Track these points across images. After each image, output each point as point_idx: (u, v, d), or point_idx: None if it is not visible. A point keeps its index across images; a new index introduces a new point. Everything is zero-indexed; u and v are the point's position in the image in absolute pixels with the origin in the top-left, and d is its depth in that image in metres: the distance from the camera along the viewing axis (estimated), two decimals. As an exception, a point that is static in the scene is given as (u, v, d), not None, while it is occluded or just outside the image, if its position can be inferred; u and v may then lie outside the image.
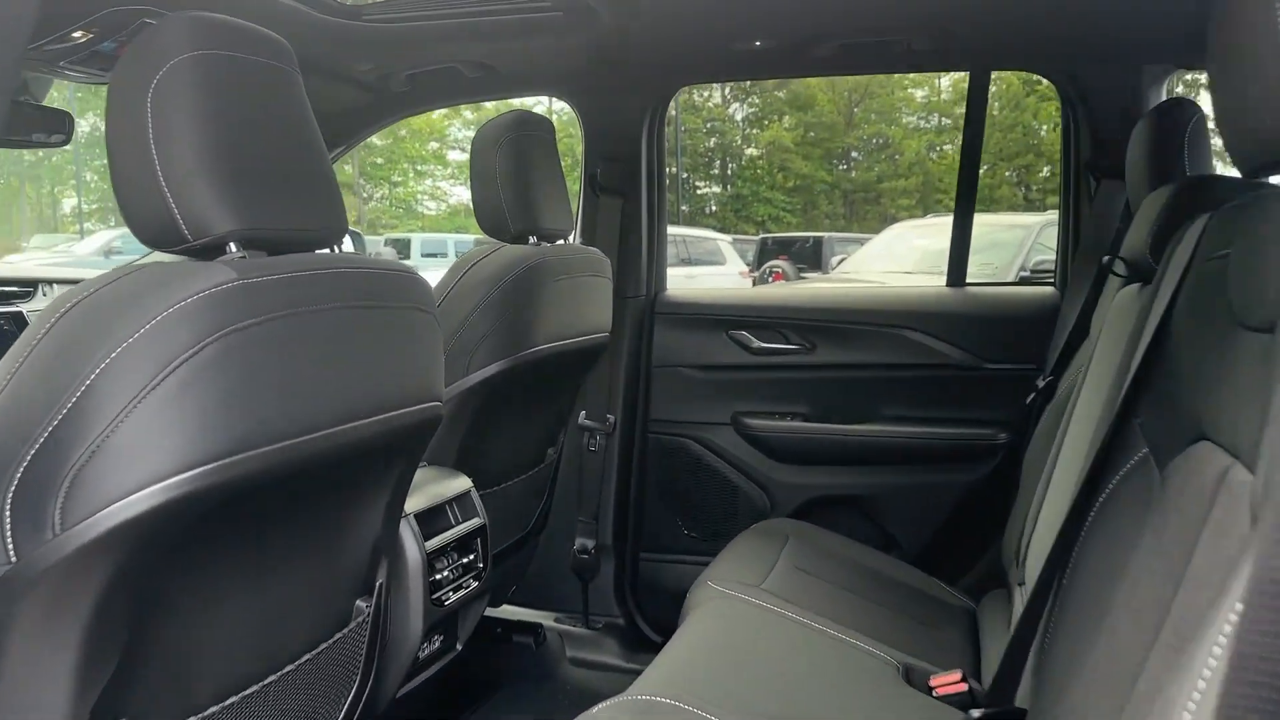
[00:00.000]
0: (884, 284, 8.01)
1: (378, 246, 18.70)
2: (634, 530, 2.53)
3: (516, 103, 2.88)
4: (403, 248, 18.33)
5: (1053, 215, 9.16)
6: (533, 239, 1.97)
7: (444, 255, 17.55)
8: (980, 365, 2.26)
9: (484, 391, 1.85)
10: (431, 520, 1.62)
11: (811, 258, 14.40)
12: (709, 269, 11.89)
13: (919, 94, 31.28)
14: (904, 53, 2.04)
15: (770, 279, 13.62)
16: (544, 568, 2.48)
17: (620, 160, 2.42)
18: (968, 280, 2.41)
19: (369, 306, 1.15)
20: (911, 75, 30.95)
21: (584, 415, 2.45)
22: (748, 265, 13.98)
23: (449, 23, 2.04)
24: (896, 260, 8.78)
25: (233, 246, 1.02)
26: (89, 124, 30.92)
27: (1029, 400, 2.12)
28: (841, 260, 10.55)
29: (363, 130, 2.57)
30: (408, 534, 1.52)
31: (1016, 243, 8.06)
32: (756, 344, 2.41)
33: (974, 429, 2.25)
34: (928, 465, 2.29)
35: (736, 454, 2.43)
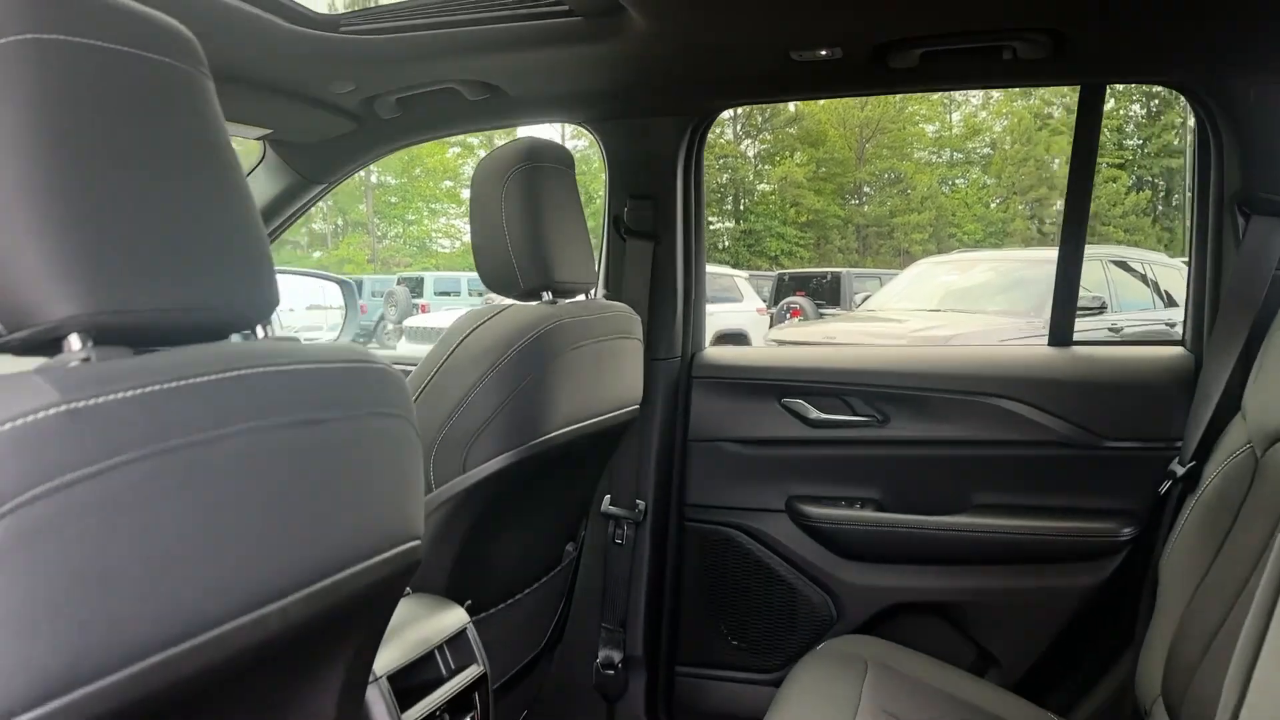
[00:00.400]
0: (906, 321, 7.68)
1: (391, 285, 18.48)
2: (669, 640, 2.11)
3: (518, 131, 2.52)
4: (416, 286, 18.10)
5: (1095, 249, 8.77)
6: (547, 295, 1.58)
7: (457, 294, 17.39)
8: (1096, 443, 1.84)
9: (485, 492, 1.46)
10: (413, 676, 1.21)
11: (830, 293, 14.09)
12: (726, 306, 11.54)
13: (930, 129, 31.24)
14: (1004, 63, 1.65)
15: (788, 316, 13.30)
16: (561, 685, 2.06)
17: (651, 197, 2.03)
18: (1075, 338, 1.99)
19: (306, 422, 0.75)
20: (924, 110, 31.00)
21: (609, 500, 2.04)
22: (765, 302, 13.65)
23: (444, 33, 1.67)
24: (922, 298, 8.47)
25: (74, 341, 0.64)
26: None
27: (1163, 489, 1.70)
28: (866, 298, 10.17)
29: (347, 165, 2.19)
30: (378, 706, 1.11)
31: (1047, 278, 7.67)
32: (815, 414, 2.00)
33: (1090, 522, 1.83)
34: (1032, 566, 1.86)
35: (793, 548, 2.01)
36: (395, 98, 1.93)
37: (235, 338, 0.81)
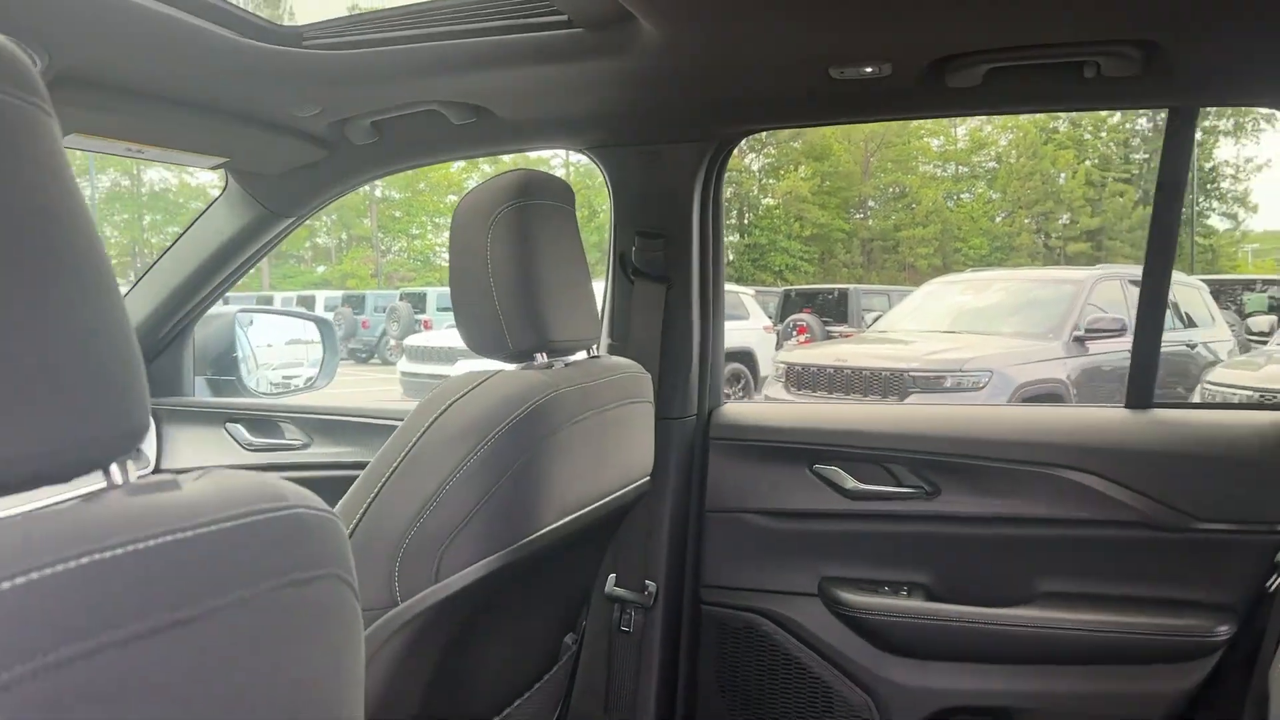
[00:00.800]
0: (916, 343, 7.43)
1: (394, 300, 18.23)
2: None
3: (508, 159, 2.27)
4: (418, 301, 17.88)
5: (1113, 269, 8.57)
6: (541, 357, 1.32)
7: (460, 308, 17.16)
8: (1185, 524, 1.58)
9: (464, 602, 1.19)
10: None
11: (836, 311, 13.86)
12: (732, 324, 11.27)
13: (935, 143, 31.14)
14: (1084, 82, 1.40)
15: (794, 333, 13.07)
16: None
17: (663, 234, 1.77)
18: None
19: (171, 625, 0.50)
20: (929, 124, 30.78)
21: (614, 580, 1.78)
22: (771, 318, 13.44)
23: (423, 48, 1.42)
24: (933, 318, 8.27)
25: None
26: (109, 179, 31.42)
27: (1272, 585, 1.44)
28: (877, 317, 9.92)
29: (318, 197, 1.94)
30: None
31: (1064, 299, 7.47)
32: (853, 484, 1.74)
33: (1178, 617, 1.57)
34: (1109, 668, 1.60)
35: (827, 639, 1.74)
36: (369, 121, 1.68)
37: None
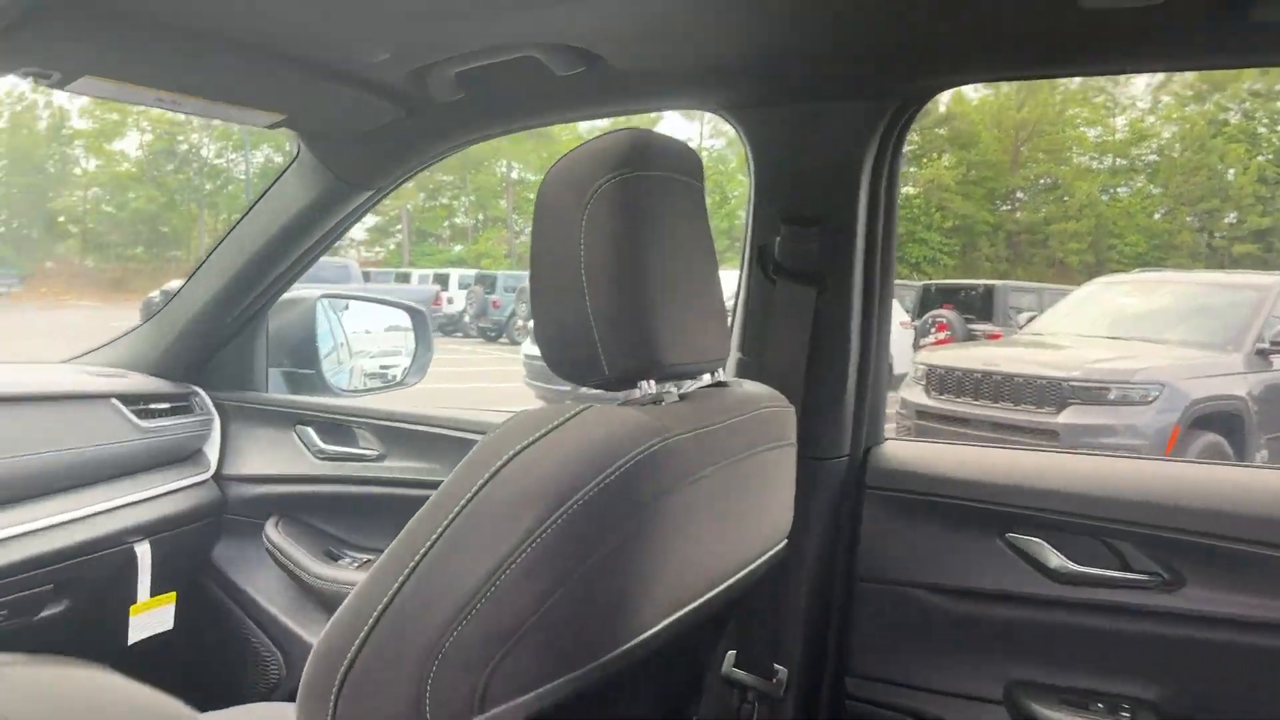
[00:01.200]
0: (1072, 348, 6.73)
1: (523, 281, 18.40)
2: None
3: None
4: (543, 287, 18.04)
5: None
6: (648, 384, 0.95)
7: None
8: None
9: None
10: None
11: (981, 308, 13.07)
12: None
13: (1092, 133, 29.46)
14: None
15: (932, 329, 12.39)
16: None
17: (819, 221, 1.37)
18: None
19: None
20: (1085, 113, 28.99)
21: (733, 660, 1.41)
22: (909, 314, 12.79)
23: None
24: (1090, 322, 7.57)
25: None
26: (263, 155, 32.91)
27: None
28: (1031, 318, 9.18)
29: (398, 167, 1.63)
30: None
31: (1245, 306, 6.66)
32: (1059, 562, 1.31)
33: None
34: None
35: None
36: (454, 71, 1.34)
37: None
